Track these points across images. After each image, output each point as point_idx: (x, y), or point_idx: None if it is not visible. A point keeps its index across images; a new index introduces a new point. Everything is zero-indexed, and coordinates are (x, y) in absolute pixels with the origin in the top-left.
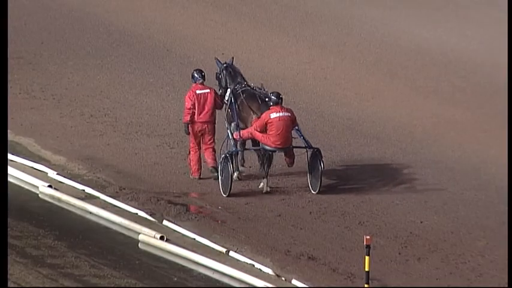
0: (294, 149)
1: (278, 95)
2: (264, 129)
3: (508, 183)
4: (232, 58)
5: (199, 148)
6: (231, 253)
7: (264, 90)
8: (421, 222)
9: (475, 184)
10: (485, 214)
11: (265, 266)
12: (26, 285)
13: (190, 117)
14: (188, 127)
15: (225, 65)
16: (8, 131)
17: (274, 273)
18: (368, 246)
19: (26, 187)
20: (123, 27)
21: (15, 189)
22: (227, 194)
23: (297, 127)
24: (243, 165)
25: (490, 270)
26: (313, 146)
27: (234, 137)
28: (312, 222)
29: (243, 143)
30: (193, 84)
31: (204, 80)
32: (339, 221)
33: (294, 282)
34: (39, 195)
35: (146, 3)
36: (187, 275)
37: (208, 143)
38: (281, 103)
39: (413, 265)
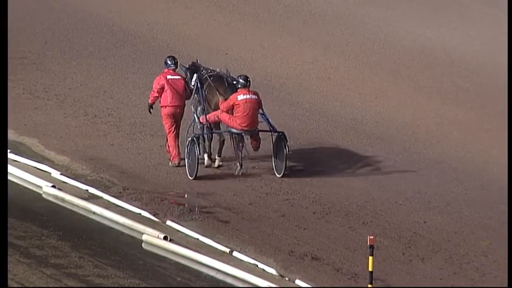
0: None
1: (246, 78)
2: (230, 111)
3: (508, 183)
4: (196, 59)
5: (177, 134)
6: (235, 253)
7: (230, 75)
8: (425, 222)
9: (478, 184)
10: (488, 214)
11: (269, 266)
12: (29, 285)
13: (154, 100)
14: (151, 107)
15: (187, 66)
16: (12, 131)
17: (278, 273)
18: (372, 247)
19: (30, 187)
20: (126, 28)
21: (18, 189)
22: (193, 176)
23: (261, 111)
24: (210, 155)
25: (494, 270)
26: (278, 130)
27: (201, 120)
28: (316, 223)
29: (209, 126)
30: (165, 70)
31: (176, 67)
32: (342, 221)
33: (298, 282)
34: (43, 195)
35: (149, 3)
36: (191, 275)
37: (175, 128)
38: (249, 86)
39: (417, 265)
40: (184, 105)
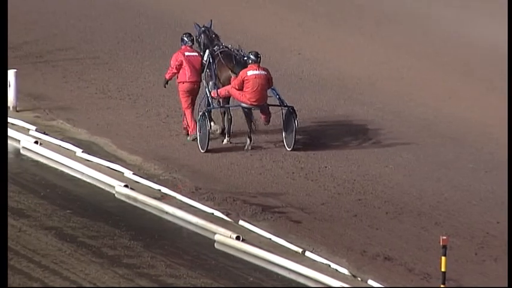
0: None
1: (257, 54)
2: (241, 87)
3: (508, 182)
4: (211, 21)
5: (193, 106)
6: (307, 253)
7: (242, 52)
8: (498, 222)
9: None
10: None
11: (341, 266)
12: (101, 285)
13: (172, 76)
14: (167, 83)
15: (203, 28)
16: (84, 130)
17: (350, 273)
18: (444, 247)
19: (102, 187)
20: None
21: (91, 189)
22: (205, 150)
23: (272, 87)
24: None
25: None
26: (287, 104)
27: (212, 95)
28: (388, 223)
29: (220, 101)
30: (183, 47)
31: (192, 43)
32: (415, 221)
33: (370, 282)
34: (116, 195)
35: (223, 3)
36: (263, 275)
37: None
38: (259, 62)
39: (489, 265)
40: (201, 80)
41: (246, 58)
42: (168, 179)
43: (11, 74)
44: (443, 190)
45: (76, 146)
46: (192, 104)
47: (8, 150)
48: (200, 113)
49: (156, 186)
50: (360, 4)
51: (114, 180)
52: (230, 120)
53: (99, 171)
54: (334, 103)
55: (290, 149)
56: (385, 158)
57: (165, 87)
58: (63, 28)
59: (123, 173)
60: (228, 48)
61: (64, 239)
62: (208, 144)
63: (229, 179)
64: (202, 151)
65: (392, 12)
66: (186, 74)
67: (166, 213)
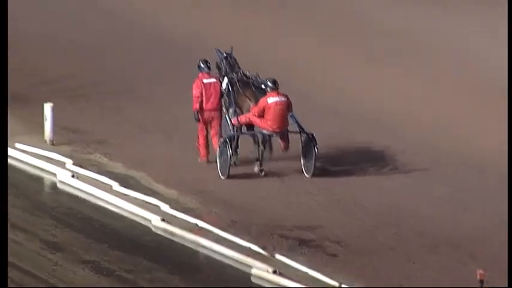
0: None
1: (274, 81)
2: (261, 114)
3: (508, 182)
4: (231, 48)
5: (207, 134)
6: (344, 287)
7: (259, 79)
8: None
9: None
10: None
11: None
12: None
13: (201, 105)
14: (198, 115)
15: (225, 55)
16: (120, 164)
17: None
18: (482, 281)
19: (139, 221)
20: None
21: (128, 223)
22: (225, 176)
23: (291, 113)
24: (237, 152)
25: None
26: (306, 131)
27: (233, 122)
28: (424, 256)
29: (240, 128)
30: (200, 74)
31: (209, 70)
32: (451, 254)
33: None
34: (152, 229)
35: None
36: None
37: (216, 130)
38: (277, 88)
39: None
40: (220, 106)
41: (264, 86)
42: (204, 213)
43: (48, 107)
44: (476, 221)
45: (112, 179)
46: (207, 130)
47: (45, 184)
48: (221, 140)
49: (193, 220)
50: (398, 38)
51: (150, 214)
52: (259, 147)
53: (136, 204)
54: (370, 136)
55: (309, 176)
56: (417, 189)
57: (197, 120)
58: (99, 62)
59: (159, 207)
60: (246, 75)
61: (101, 273)
62: (229, 170)
63: (266, 212)
64: (223, 177)
65: (428, 44)
66: (203, 102)
67: (203, 247)
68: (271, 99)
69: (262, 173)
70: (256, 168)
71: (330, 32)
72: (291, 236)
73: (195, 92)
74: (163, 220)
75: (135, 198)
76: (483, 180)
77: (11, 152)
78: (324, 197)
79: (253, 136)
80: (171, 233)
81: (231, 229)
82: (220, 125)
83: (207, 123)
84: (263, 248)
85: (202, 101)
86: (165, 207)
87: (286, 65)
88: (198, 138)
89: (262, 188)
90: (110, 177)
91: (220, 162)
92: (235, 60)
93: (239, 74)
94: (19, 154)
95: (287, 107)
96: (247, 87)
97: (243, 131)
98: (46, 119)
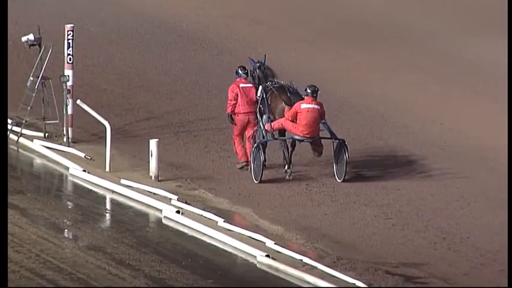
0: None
1: (314, 89)
2: (294, 119)
3: (508, 182)
4: (265, 56)
5: (243, 137)
6: None
7: (294, 87)
8: None
9: None
10: None
11: None
12: None
13: (233, 108)
14: (232, 118)
15: (258, 64)
16: (226, 200)
17: None
18: None
19: (244, 257)
20: (340, 97)
21: (233, 259)
22: (258, 180)
23: (324, 120)
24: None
25: None
26: (338, 137)
27: (266, 128)
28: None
29: (273, 134)
30: (237, 79)
31: (247, 76)
32: None
33: None
34: (257, 265)
35: (365, 72)
36: None
37: (251, 133)
38: (315, 97)
39: None
40: (256, 111)
41: (304, 90)
42: (309, 249)
43: (153, 143)
44: None
45: (218, 215)
46: (242, 133)
47: (150, 219)
48: (254, 145)
49: (298, 256)
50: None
51: (255, 250)
52: (288, 151)
53: (241, 240)
54: (475, 171)
55: (341, 180)
56: None
57: (231, 123)
58: (204, 98)
59: (264, 243)
60: (280, 83)
61: None
62: (262, 175)
63: (371, 249)
64: (256, 182)
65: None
66: (239, 105)
67: (308, 283)
68: (304, 105)
69: (291, 177)
70: (287, 171)
71: (431, 69)
72: (396, 272)
73: (230, 95)
74: (268, 256)
75: (240, 234)
76: None
77: (117, 188)
78: (432, 235)
79: (284, 141)
80: (276, 269)
81: (336, 265)
82: (255, 130)
83: (242, 127)
84: (368, 285)
85: (236, 104)
86: (270, 243)
87: (392, 103)
88: (234, 142)
89: (369, 225)
90: (215, 213)
91: (253, 167)
92: (269, 68)
93: (274, 82)
94: (125, 190)
95: (319, 114)
96: (283, 92)
97: (275, 136)
98: (151, 155)
